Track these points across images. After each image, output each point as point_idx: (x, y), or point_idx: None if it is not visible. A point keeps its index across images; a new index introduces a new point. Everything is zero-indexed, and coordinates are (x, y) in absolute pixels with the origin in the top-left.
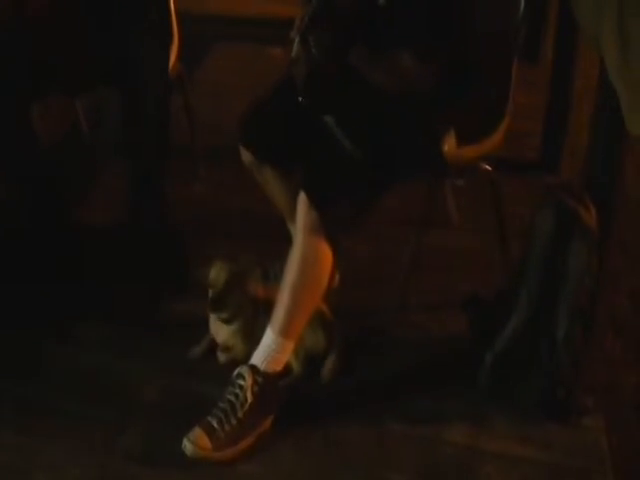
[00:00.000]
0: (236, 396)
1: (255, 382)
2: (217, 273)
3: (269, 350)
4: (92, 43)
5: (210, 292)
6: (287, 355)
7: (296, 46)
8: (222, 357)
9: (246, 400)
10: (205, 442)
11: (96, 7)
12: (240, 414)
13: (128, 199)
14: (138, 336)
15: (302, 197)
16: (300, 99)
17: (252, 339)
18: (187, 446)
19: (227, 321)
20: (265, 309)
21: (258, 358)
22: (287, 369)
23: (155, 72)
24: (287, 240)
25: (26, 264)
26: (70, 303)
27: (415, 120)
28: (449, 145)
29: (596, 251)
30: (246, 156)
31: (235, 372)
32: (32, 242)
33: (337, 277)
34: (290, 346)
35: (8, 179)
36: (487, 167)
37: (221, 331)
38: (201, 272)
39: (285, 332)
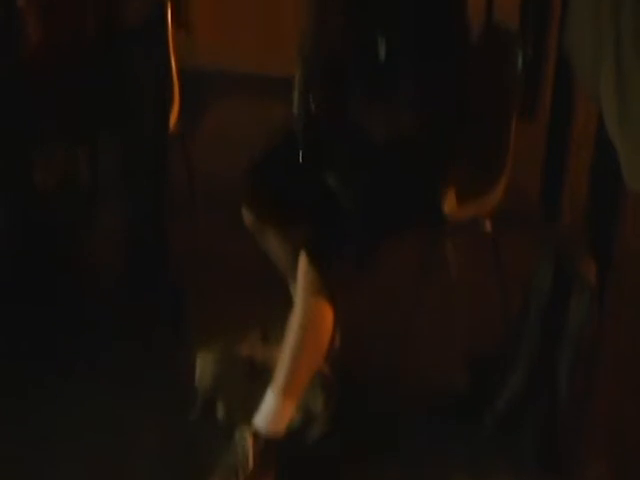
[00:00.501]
0: (237, 458)
1: (256, 444)
2: (203, 367)
3: (270, 411)
4: (93, 94)
5: (198, 390)
6: (289, 416)
7: (296, 102)
8: (221, 411)
9: (247, 463)
10: None
11: (97, 60)
12: (241, 478)
13: (126, 249)
14: (134, 389)
15: (303, 257)
16: (300, 154)
17: (250, 400)
18: None
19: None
20: (266, 370)
21: (259, 419)
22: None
23: (155, 126)
24: (288, 301)
25: (25, 310)
26: (62, 355)
27: (414, 176)
28: (449, 202)
29: (596, 305)
30: (248, 215)
31: (236, 434)
32: (28, 288)
33: (338, 337)
34: (292, 407)
35: (6, 225)
36: (487, 223)
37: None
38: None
39: (286, 393)
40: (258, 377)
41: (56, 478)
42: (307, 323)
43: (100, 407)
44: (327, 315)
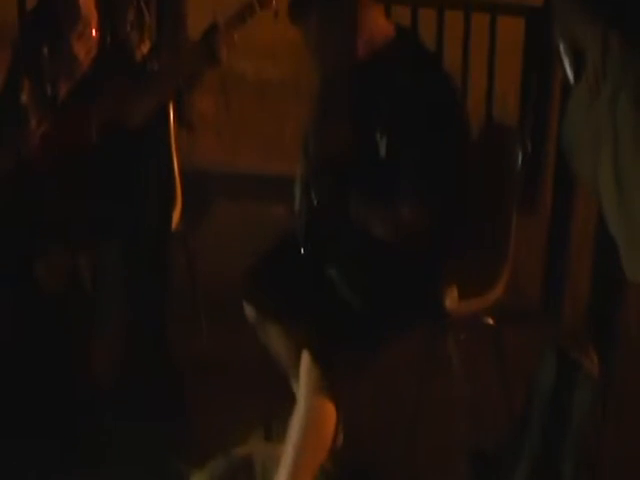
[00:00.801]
0: None
1: None
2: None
3: None
4: (94, 200)
5: None
6: None
7: (298, 198)
8: None
9: None
10: None
11: (99, 165)
12: None
13: (129, 352)
14: None
15: (306, 354)
16: (302, 250)
17: None
18: None
19: None
20: (268, 467)
21: None
22: None
23: (157, 229)
24: (290, 397)
25: (25, 408)
26: (65, 448)
27: (415, 272)
28: (450, 299)
29: (600, 399)
30: (250, 312)
31: None
32: (30, 388)
33: (341, 435)
34: None
35: (8, 326)
36: (489, 320)
37: None
38: None
39: None
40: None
41: None
42: (310, 421)
43: None
44: (330, 413)
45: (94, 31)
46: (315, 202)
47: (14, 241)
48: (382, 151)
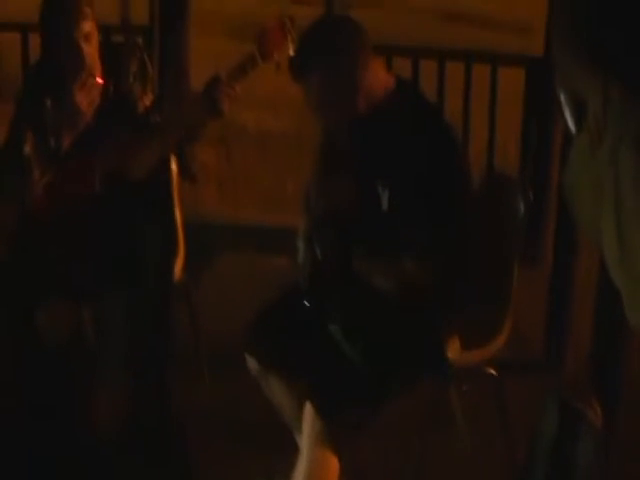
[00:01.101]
0: None
1: None
2: None
3: None
4: (98, 252)
5: None
6: None
7: (302, 251)
8: None
9: None
10: None
11: (101, 216)
12: None
13: (131, 404)
14: None
15: (308, 407)
16: (305, 303)
17: None
18: None
19: None
20: None
21: None
22: None
23: (160, 281)
24: (293, 450)
25: (26, 466)
26: None
27: (418, 325)
28: (453, 350)
29: (603, 449)
30: (252, 363)
31: None
32: (31, 444)
33: None
34: None
35: (11, 381)
36: (491, 371)
37: None
38: None
39: None
40: None
41: None
42: (313, 473)
43: None
44: (333, 465)
45: (97, 82)
46: (318, 256)
47: (17, 293)
48: (384, 204)
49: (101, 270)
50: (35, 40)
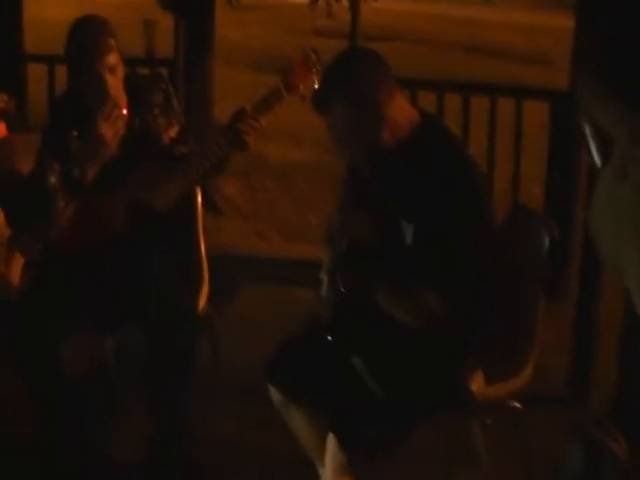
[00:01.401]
0: None
1: None
2: None
3: None
4: (121, 283)
5: None
6: None
7: (325, 285)
8: None
9: None
10: None
11: (125, 247)
12: None
13: (149, 436)
14: None
15: (331, 438)
16: (328, 337)
17: None
18: None
19: None
20: None
21: None
22: None
23: (184, 312)
24: None
25: None
26: None
27: (441, 359)
28: (476, 383)
29: None
30: (275, 394)
31: None
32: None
33: None
34: None
35: (37, 412)
36: (515, 404)
37: None
38: None
39: None
40: None
41: None
42: None
43: None
44: None
45: (122, 113)
46: (341, 289)
47: (40, 324)
48: (407, 238)
49: (122, 301)
50: (61, 72)
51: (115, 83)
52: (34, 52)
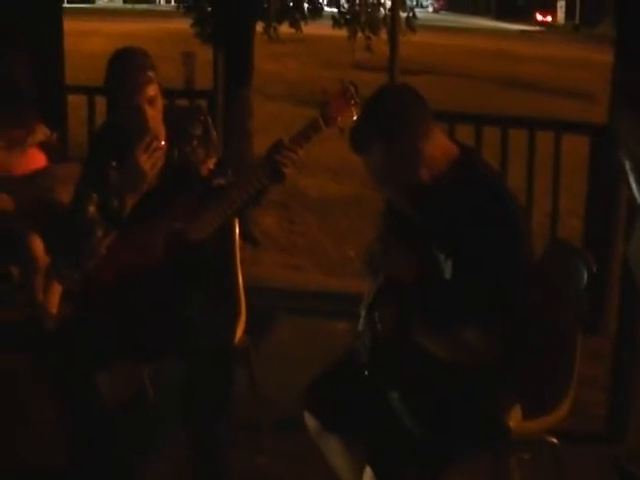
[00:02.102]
0: None
1: None
2: None
3: None
4: (159, 313)
5: None
6: None
7: (362, 320)
8: None
9: None
10: None
11: (163, 280)
12: None
13: (185, 470)
14: None
15: (367, 470)
16: (365, 372)
17: None
18: None
19: None
20: None
21: None
22: None
23: (220, 343)
24: None
25: None
26: None
27: (479, 395)
28: (514, 419)
29: None
30: (311, 424)
31: None
32: None
33: None
34: None
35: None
36: (553, 440)
37: None
38: None
39: None
40: None
41: None
42: None
43: None
44: None
45: (161, 145)
46: (377, 325)
47: (79, 353)
48: (447, 274)
49: (160, 331)
50: (101, 103)
51: (154, 114)
52: (73, 83)
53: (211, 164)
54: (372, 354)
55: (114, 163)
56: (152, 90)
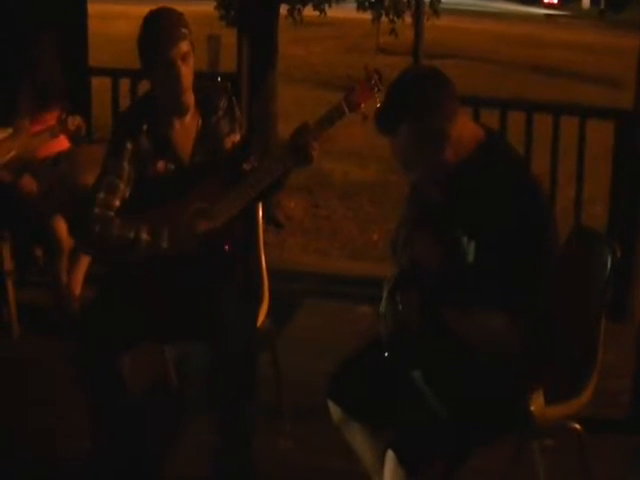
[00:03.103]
0: None
1: None
2: None
3: None
4: (182, 298)
5: None
6: None
7: (384, 302)
8: None
9: None
10: None
11: (189, 262)
12: None
13: (211, 454)
14: None
15: (390, 455)
16: (386, 354)
17: None
18: None
19: None
20: None
21: None
22: None
23: (244, 328)
24: None
25: None
26: None
27: (502, 379)
28: (537, 404)
29: None
30: (335, 411)
31: None
32: None
33: None
34: None
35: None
36: (576, 426)
37: None
38: None
39: None
40: None
41: None
42: None
43: None
44: None
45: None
46: (400, 308)
47: (105, 336)
48: (470, 257)
49: (184, 313)
50: (125, 85)
51: (187, 72)
52: (98, 65)
53: (235, 138)
54: (394, 335)
55: (145, 127)
56: (185, 46)
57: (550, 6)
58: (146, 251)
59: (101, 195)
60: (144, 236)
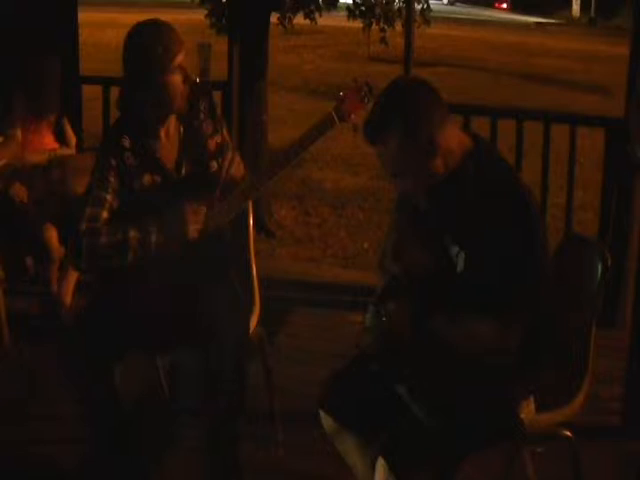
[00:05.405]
0: None
1: None
2: None
3: None
4: (174, 306)
5: None
6: None
7: (369, 315)
8: None
9: None
10: None
11: (181, 269)
12: None
13: (201, 463)
14: None
15: (381, 462)
16: (372, 367)
17: None
18: None
19: None
20: None
21: None
22: None
23: (235, 335)
24: None
25: None
26: None
27: (491, 387)
28: (527, 411)
29: None
30: (326, 420)
31: None
32: None
33: None
34: None
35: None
36: (568, 433)
37: None
38: None
39: None
40: None
41: None
42: None
43: None
44: None
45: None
46: (385, 321)
47: (97, 346)
48: (459, 266)
49: (174, 322)
50: (116, 93)
51: (179, 86)
52: (89, 74)
53: (218, 139)
54: (381, 348)
55: (128, 143)
56: (180, 59)
57: (501, 10)
58: (137, 249)
59: (88, 210)
60: (132, 233)
